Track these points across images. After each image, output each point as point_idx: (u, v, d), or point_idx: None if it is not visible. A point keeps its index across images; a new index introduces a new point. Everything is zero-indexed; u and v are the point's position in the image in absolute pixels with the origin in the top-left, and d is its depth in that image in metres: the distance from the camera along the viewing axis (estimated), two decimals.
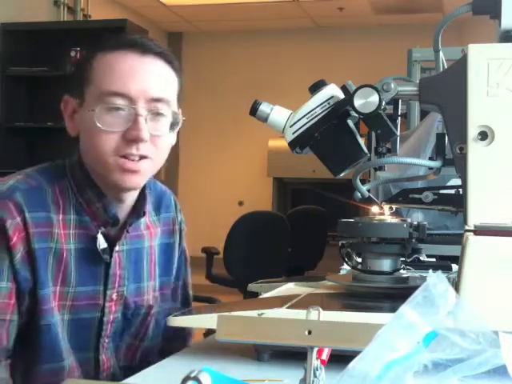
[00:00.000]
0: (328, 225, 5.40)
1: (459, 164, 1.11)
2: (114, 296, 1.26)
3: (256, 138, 7.18)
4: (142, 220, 1.33)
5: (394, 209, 1.30)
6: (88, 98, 1.20)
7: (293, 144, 1.24)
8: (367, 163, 1.26)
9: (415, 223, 1.24)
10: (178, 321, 1.13)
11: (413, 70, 3.91)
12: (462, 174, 1.09)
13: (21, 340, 1.19)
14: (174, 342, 1.37)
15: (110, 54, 1.20)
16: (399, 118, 1.22)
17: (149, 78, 1.19)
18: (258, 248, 4.92)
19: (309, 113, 1.22)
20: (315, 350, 0.68)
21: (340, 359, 0.71)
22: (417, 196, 1.29)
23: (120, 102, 1.17)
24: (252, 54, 7.87)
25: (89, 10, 6.15)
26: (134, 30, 4.99)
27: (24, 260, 1.15)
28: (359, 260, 1.32)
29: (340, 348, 0.68)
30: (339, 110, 1.21)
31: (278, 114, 1.25)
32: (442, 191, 1.29)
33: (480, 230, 1.05)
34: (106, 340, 1.27)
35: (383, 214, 1.28)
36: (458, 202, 1.20)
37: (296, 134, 1.23)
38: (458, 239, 1.14)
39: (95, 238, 1.22)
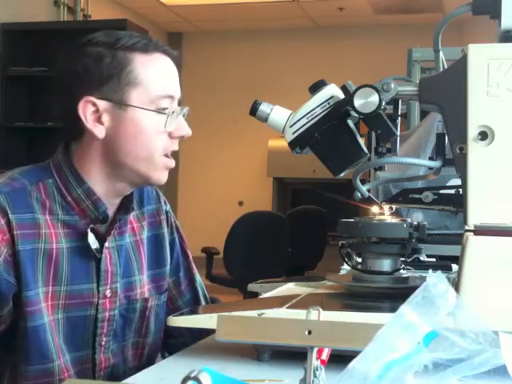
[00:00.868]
0: (328, 225, 5.40)
1: (459, 164, 1.11)
2: (108, 293, 1.26)
3: (256, 137, 7.18)
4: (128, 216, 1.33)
5: (394, 209, 1.30)
6: (133, 100, 1.21)
7: (293, 144, 1.24)
8: (367, 163, 1.26)
9: (415, 223, 1.24)
10: (177, 321, 1.13)
11: (413, 69, 3.91)
12: (462, 174, 1.09)
13: (7, 341, 1.19)
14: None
15: (148, 56, 1.23)
16: (399, 117, 1.22)
17: (177, 79, 1.29)
18: (258, 248, 4.92)
19: (309, 113, 1.22)
20: (315, 350, 0.68)
21: (340, 359, 0.71)
22: (417, 196, 1.29)
23: (168, 103, 1.24)
24: (252, 54, 7.87)
25: (89, 10, 6.15)
26: (133, 30, 4.93)
27: (7, 262, 1.15)
28: (359, 260, 1.32)
29: (340, 348, 0.68)
30: (339, 110, 1.21)
31: (278, 114, 1.25)
32: (442, 191, 1.29)
33: (480, 230, 1.05)
34: (104, 339, 1.26)
35: (383, 213, 1.28)
36: (458, 202, 1.20)
37: (296, 134, 1.23)
38: (458, 239, 1.14)
39: (85, 236, 1.22)
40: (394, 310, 0.64)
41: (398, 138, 1.23)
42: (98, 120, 1.21)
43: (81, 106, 1.21)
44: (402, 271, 1.29)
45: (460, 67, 1.09)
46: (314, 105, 1.22)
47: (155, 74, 1.23)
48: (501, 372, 0.76)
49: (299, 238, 5.17)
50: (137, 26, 5.30)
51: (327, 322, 0.68)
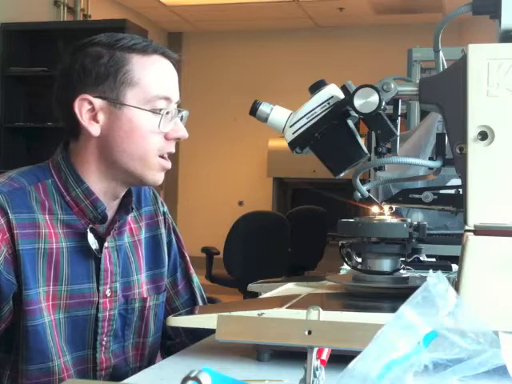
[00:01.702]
0: (328, 225, 5.40)
1: (459, 164, 1.11)
2: (108, 292, 1.26)
3: (256, 137, 7.18)
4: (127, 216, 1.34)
5: (394, 209, 1.30)
6: (129, 100, 1.22)
7: (293, 144, 1.24)
8: (367, 163, 1.26)
9: (415, 223, 1.24)
10: (178, 321, 1.13)
11: (413, 70, 3.91)
12: (462, 174, 1.09)
13: (7, 341, 1.20)
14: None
15: (146, 57, 1.24)
16: (399, 117, 1.22)
17: (175, 81, 1.30)
18: (258, 248, 4.92)
19: (309, 113, 1.22)
20: (315, 350, 0.68)
21: (340, 359, 0.71)
22: (417, 196, 1.29)
23: (164, 104, 1.24)
24: (252, 54, 7.87)
25: (89, 10, 6.15)
26: (133, 30, 4.97)
27: (7, 261, 1.16)
28: (359, 260, 1.32)
29: (340, 348, 0.68)
30: (339, 110, 1.21)
31: (278, 114, 1.25)
32: (441, 191, 1.29)
33: (480, 230, 1.05)
34: (105, 339, 1.27)
35: (383, 214, 1.28)
36: (458, 202, 1.20)
37: (296, 134, 1.23)
38: (458, 239, 1.15)
39: (84, 236, 1.23)
40: (394, 310, 0.64)
41: (398, 138, 1.23)
42: (94, 118, 1.23)
43: (77, 103, 1.22)
44: (402, 271, 1.29)
45: (460, 67, 1.09)
46: (314, 105, 1.22)
47: (152, 75, 1.24)
48: (501, 372, 0.76)
49: (299, 238, 5.17)
50: (137, 26, 5.29)
51: (327, 322, 0.68)
